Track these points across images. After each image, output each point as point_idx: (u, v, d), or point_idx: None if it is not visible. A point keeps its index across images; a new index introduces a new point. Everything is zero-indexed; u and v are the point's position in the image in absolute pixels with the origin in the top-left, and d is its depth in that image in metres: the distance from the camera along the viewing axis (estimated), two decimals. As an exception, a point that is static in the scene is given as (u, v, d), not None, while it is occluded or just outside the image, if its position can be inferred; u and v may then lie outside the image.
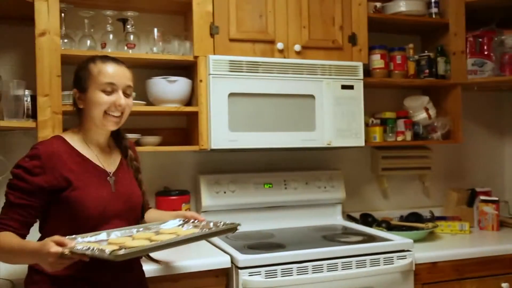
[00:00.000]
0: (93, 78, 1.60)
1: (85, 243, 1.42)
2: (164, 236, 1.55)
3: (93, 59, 1.64)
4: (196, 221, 1.78)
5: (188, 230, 1.69)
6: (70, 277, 1.55)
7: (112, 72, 1.61)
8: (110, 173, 1.67)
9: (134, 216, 1.73)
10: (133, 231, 1.61)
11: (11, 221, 1.49)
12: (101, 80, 1.60)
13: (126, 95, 1.65)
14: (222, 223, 1.75)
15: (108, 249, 1.33)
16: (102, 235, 1.50)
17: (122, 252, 1.33)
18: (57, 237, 1.37)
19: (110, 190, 1.63)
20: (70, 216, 1.54)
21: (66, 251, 1.33)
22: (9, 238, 1.47)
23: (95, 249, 1.34)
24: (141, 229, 1.64)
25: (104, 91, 1.60)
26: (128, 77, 1.66)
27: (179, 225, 1.76)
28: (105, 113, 1.61)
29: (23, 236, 1.52)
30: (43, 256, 1.35)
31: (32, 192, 1.50)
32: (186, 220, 1.79)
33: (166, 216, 1.86)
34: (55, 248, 1.33)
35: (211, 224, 1.75)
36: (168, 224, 1.76)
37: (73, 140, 1.64)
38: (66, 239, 1.37)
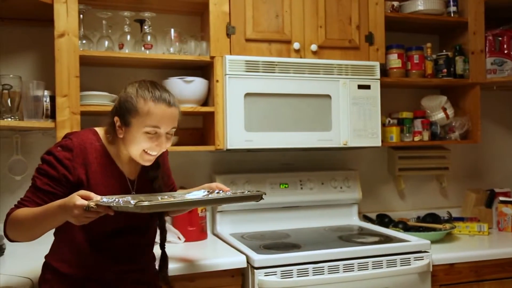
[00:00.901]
0: (140, 118, 1.51)
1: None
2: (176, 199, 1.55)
3: (143, 92, 1.53)
4: (221, 191, 1.75)
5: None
6: (81, 276, 1.56)
7: (161, 115, 1.52)
8: (133, 182, 1.66)
9: (153, 226, 1.75)
10: (158, 198, 1.60)
11: (32, 203, 1.49)
12: (148, 123, 1.51)
13: (169, 135, 1.59)
14: (247, 191, 1.76)
15: (132, 200, 1.34)
16: (127, 198, 1.48)
17: (146, 203, 1.33)
18: (82, 191, 1.38)
19: None
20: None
21: (92, 203, 1.34)
22: (29, 209, 1.47)
23: (120, 200, 1.36)
24: (165, 196, 1.64)
25: (147, 133, 1.53)
26: (175, 118, 1.58)
27: (204, 196, 1.74)
28: (143, 151, 1.56)
29: None
30: (68, 209, 1.36)
31: (59, 181, 1.51)
32: (211, 191, 1.77)
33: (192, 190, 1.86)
34: (81, 201, 1.34)
35: (238, 192, 1.75)
36: (192, 194, 1.75)
37: (105, 142, 1.62)
38: (91, 193, 1.38)
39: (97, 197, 1.38)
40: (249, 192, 1.71)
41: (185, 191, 1.79)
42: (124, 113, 1.54)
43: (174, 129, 1.59)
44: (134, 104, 1.52)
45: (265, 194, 1.69)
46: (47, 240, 1.66)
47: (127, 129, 1.55)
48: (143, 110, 1.51)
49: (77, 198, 1.35)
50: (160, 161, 1.72)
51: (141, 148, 1.55)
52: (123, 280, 1.63)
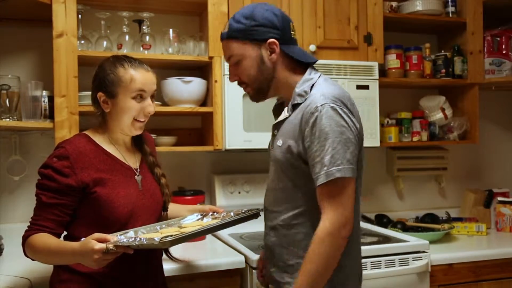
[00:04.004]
0: (125, 85, 1.56)
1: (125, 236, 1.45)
2: (192, 228, 1.57)
3: (121, 63, 1.59)
4: (215, 213, 1.79)
5: (211, 221, 1.71)
6: (100, 275, 1.54)
7: (143, 79, 1.58)
8: (136, 170, 1.66)
9: (159, 209, 1.72)
10: (157, 227, 1.62)
11: (46, 221, 1.49)
12: (133, 88, 1.56)
13: (152, 100, 1.64)
14: (243, 210, 1.79)
15: (157, 237, 1.35)
16: (130, 233, 1.50)
17: (169, 238, 1.35)
18: (97, 235, 1.37)
19: (137, 187, 1.63)
20: (100, 215, 1.53)
21: (111, 245, 1.34)
22: (45, 239, 1.47)
23: (143, 239, 1.36)
24: (163, 225, 1.65)
25: (134, 98, 1.57)
26: (154, 81, 1.64)
27: (198, 219, 1.78)
28: (133, 119, 1.60)
29: (59, 235, 1.53)
30: (87, 254, 1.35)
31: (63, 192, 1.49)
32: (204, 214, 1.80)
33: (183, 211, 1.87)
34: (99, 245, 1.33)
35: (232, 214, 1.77)
36: (188, 219, 1.77)
37: (98, 139, 1.62)
38: (107, 235, 1.38)
39: (113, 238, 1.38)
40: (249, 212, 1.78)
41: (179, 218, 1.79)
42: (107, 86, 1.58)
43: (155, 92, 1.65)
44: (116, 75, 1.57)
45: (263, 210, 1.77)
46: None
47: (113, 101, 1.58)
48: (126, 78, 1.56)
49: (94, 243, 1.34)
50: (150, 146, 1.77)
51: (132, 116, 1.58)
52: (139, 279, 1.61)
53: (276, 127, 1.63)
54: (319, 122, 1.42)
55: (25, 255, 1.53)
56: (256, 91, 1.61)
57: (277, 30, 1.53)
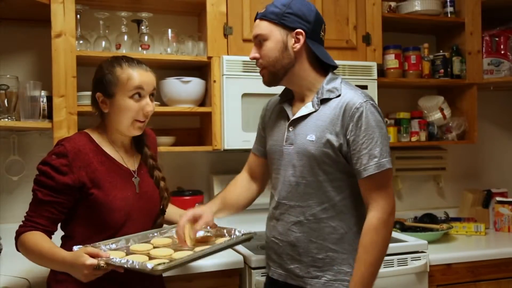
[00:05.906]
0: (122, 85, 1.55)
1: (119, 253, 1.45)
2: (186, 253, 1.55)
3: (119, 63, 1.58)
4: (208, 227, 1.76)
5: (203, 235, 1.70)
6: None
7: (141, 78, 1.57)
8: (134, 172, 1.65)
9: (156, 212, 1.72)
10: (149, 236, 1.62)
11: (40, 218, 1.49)
12: (131, 87, 1.55)
13: (151, 99, 1.62)
14: (236, 230, 1.74)
15: (149, 264, 1.35)
16: (122, 242, 1.51)
17: (161, 267, 1.35)
18: (90, 249, 1.38)
19: (134, 190, 1.62)
20: (97, 217, 1.53)
21: (102, 262, 1.34)
22: (38, 239, 1.47)
23: (134, 262, 1.35)
24: (155, 233, 1.66)
25: (132, 98, 1.56)
26: (154, 81, 1.63)
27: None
28: (133, 120, 1.58)
29: (51, 233, 1.53)
30: (77, 267, 1.36)
31: (59, 190, 1.49)
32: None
33: (175, 216, 1.83)
34: (91, 261, 1.34)
35: (225, 231, 1.75)
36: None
37: (98, 138, 1.61)
38: (100, 251, 1.39)
39: (106, 255, 1.38)
40: (244, 236, 1.72)
41: (171, 226, 1.76)
42: (105, 86, 1.57)
43: (154, 91, 1.63)
44: (114, 75, 1.56)
45: (256, 234, 1.74)
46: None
47: (111, 101, 1.57)
48: (123, 78, 1.55)
49: (86, 258, 1.35)
50: (151, 146, 1.76)
51: (130, 117, 1.57)
52: (137, 279, 1.60)
53: (294, 123, 1.62)
54: (366, 117, 1.51)
55: (17, 250, 1.53)
56: (271, 75, 1.62)
57: (308, 24, 1.57)
